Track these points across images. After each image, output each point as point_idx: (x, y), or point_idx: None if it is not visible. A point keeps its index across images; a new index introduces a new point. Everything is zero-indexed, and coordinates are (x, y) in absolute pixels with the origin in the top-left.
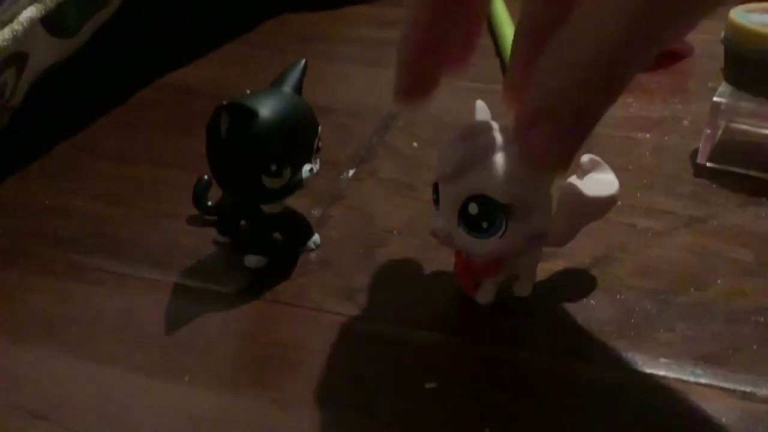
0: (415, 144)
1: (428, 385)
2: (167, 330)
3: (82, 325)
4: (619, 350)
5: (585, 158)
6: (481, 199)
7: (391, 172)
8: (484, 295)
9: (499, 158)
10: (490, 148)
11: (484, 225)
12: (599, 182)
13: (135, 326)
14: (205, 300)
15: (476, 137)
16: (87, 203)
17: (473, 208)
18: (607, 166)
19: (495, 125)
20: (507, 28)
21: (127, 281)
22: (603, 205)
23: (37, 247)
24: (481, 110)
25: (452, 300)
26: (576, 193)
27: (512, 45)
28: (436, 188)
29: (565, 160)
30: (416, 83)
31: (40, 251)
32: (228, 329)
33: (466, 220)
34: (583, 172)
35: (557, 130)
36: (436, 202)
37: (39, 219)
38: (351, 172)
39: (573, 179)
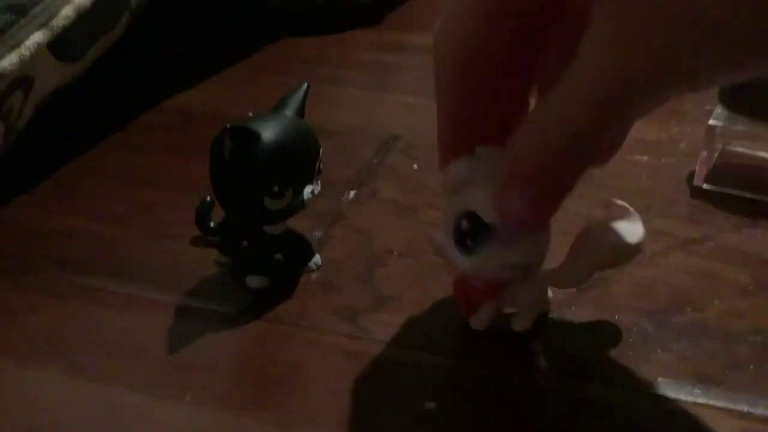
0: (415, 166)
1: (428, 406)
2: (169, 350)
3: (85, 345)
4: (617, 370)
5: (615, 204)
6: (472, 216)
7: (392, 194)
8: (478, 320)
9: (495, 180)
10: (490, 170)
11: (468, 242)
12: (624, 230)
13: (137, 346)
14: (207, 320)
15: (482, 158)
16: (91, 224)
17: (465, 225)
18: (637, 216)
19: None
20: None
21: (130, 301)
22: (624, 254)
23: (40, 267)
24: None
25: (452, 321)
26: (597, 239)
27: None
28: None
29: (535, 220)
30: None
31: (43, 272)
32: (229, 349)
33: (457, 234)
34: (610, 218)
35: (526, 196)
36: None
37: (43, 240)
38: (352, 194)
39: (597, 223)
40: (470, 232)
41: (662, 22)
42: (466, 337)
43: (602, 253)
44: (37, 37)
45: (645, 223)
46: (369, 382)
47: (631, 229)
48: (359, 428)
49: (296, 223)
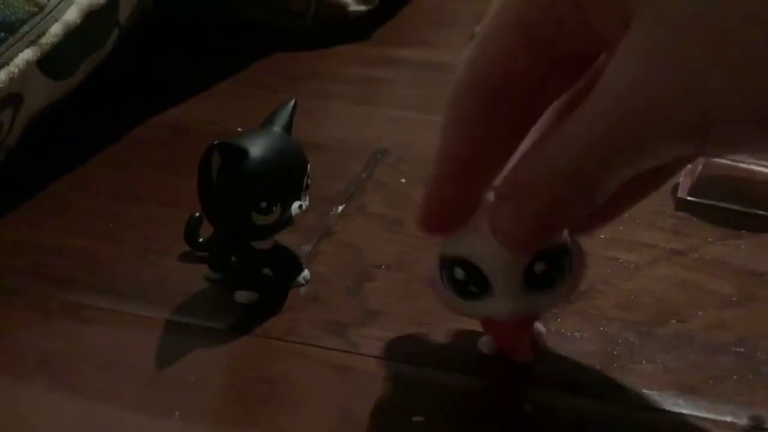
0: (403, 180)
1: (416, 419)
2: (158, 366)
3: (73, 362)
4: (602, 381)
5: None
6: (548, 254)
7: (380, 208)
8: (525, 354)
9: None
10: None
11: (555, 275)
12: None
13: (126, 363)
14: (196, 336)
15: None
16: (80, 241)
17: (540, 267)
18: None
19: None
20: None
21: (119, 318)
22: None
23: (29, 284)
24: None
25: (439, 335)
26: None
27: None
28: (474, 282)
29: (524, 242)
30: (445, 222)
31: (32, 289)
32: (218, 365)
33: (533, 281)
34: None
35: (515, 217)
36: (479, 294)
37: (32, 256)
38: (340, 208)
39: None
40: (555, 267)
41: (694, 86)
42: (455, 351)
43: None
44: (26, 55)
45: (630, 235)
46: (357, 397)
47: None
48: None
49: (285, 238)
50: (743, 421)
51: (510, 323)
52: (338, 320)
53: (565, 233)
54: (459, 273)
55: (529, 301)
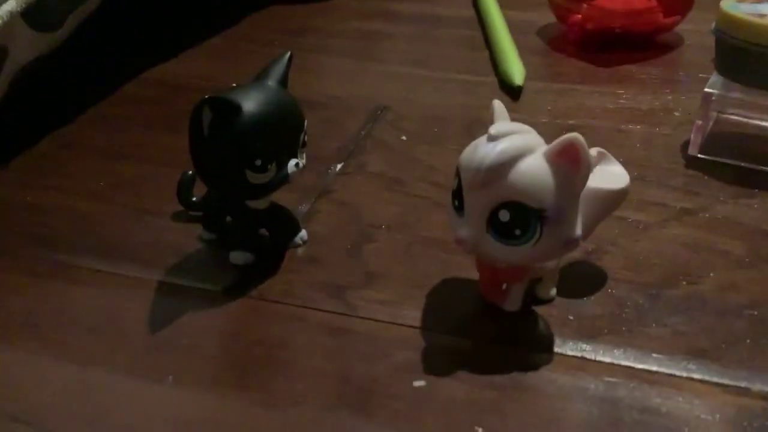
0: (403, 137)
1: (416, 384)
2: (151, 329)
3: (64, 325)
4: (611, 345)
5: (593, 151)
6: (513, 206)
7: (380, 166)
8: (513, 302)
9: (530, 163)
10: (520, 154)
11: (517, 232)
12: (609, 175)
13: (118, 326)
14: (190, 298)
15: (503, 142)
16: (70, 200)
17: (504, 215)
18: (613, 158)
19: (520, 128)
20: (496, 19)
21: (111, 279)
22: (616, 199)
23: (18, 245)
24: (500, 112)
25: (440, 297)
26: (589, 189)
27: None
28: (457, 195)
29: None
30: None
31: (21, 250)
32: (213, 328)
33: (496, 227)
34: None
35: None
36: (459, 209)
37: (21, 217)
38: (339, 167)
39: None
40: (518, 222)
41: None
42: (456, 314)
43: (598, 201)
44: (10, 6)
45: (639, 194)
46: (356, 361)
47: (616, 171)
48: (346, 408)
49: (281, 197)
50: (756, 386)
51: (483, 262)
52: (336, 282)
53: (548, 200)
54: (456, 182)
55: (491, 244)
